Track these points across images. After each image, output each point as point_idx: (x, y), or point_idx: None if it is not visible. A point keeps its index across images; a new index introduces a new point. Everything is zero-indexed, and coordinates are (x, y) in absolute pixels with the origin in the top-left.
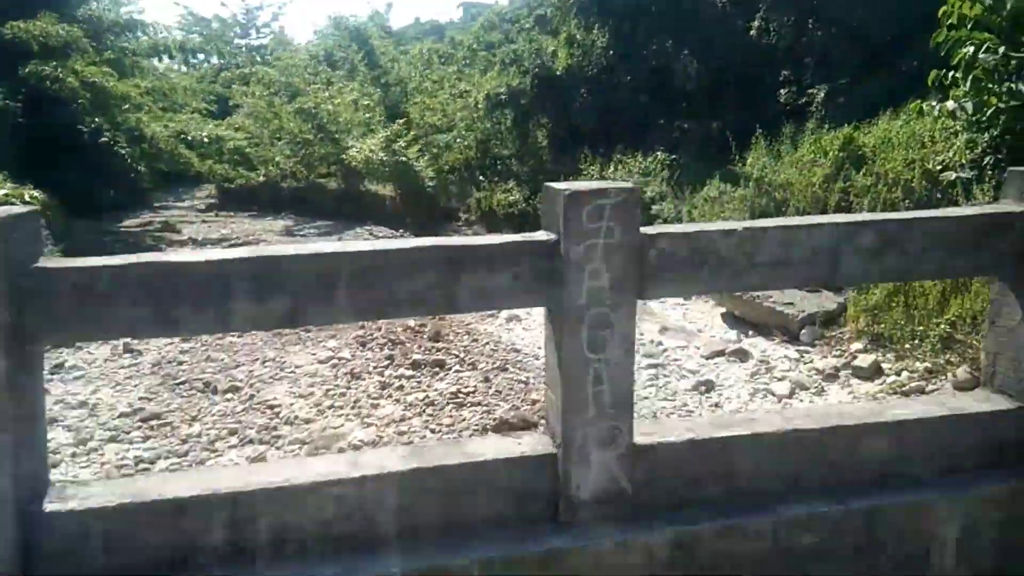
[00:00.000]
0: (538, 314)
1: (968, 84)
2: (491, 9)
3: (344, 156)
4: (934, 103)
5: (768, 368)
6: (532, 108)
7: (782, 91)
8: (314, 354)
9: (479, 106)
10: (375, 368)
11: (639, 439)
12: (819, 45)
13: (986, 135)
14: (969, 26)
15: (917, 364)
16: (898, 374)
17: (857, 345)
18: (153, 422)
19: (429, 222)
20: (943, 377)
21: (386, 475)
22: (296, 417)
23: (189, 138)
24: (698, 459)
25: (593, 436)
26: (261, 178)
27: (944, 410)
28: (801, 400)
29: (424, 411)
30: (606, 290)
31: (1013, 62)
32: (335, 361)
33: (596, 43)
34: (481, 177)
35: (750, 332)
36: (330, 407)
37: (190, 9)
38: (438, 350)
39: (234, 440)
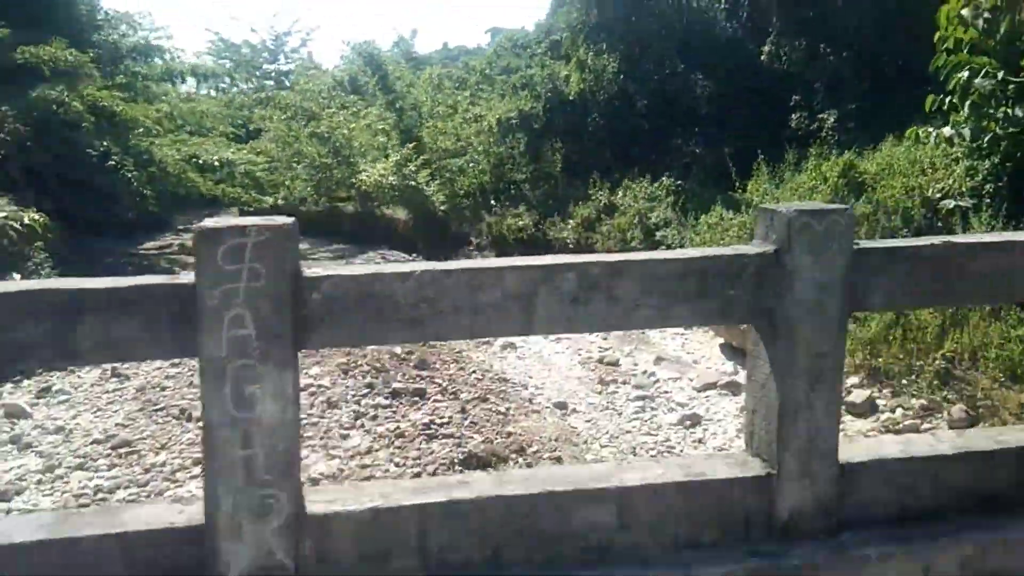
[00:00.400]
0: (534, 342)
1: (966, 109)
2: (505, 35)
3: (354, 180)
4: (931, 129)
5: None
6: (545, 132)
7: (793, 116)
8: None
9: (492, 130)
10: (353, 396)
11: (314, 508)
12: (830, 70)
13: (987, 162)
14: (966, 50)
15: (913, 401)
16: (892, 411)
17: (853, 379)
18: (122, 449)
19: (441, 246)
20: (939, 415)
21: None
22: None
23: (201, 162)
24: (385, 530)
25: (244, 506)
26: (280, 201)
27: (681, 475)
28: None
29: (393, 443)
30: (252, 339)
31: (1011, 87)
32: (314, 389)
33: (607, 68)
34: (493, 202)
35: (738, 366)
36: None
37: (220, 35)
38: (422, 378)
39: (196, 470)
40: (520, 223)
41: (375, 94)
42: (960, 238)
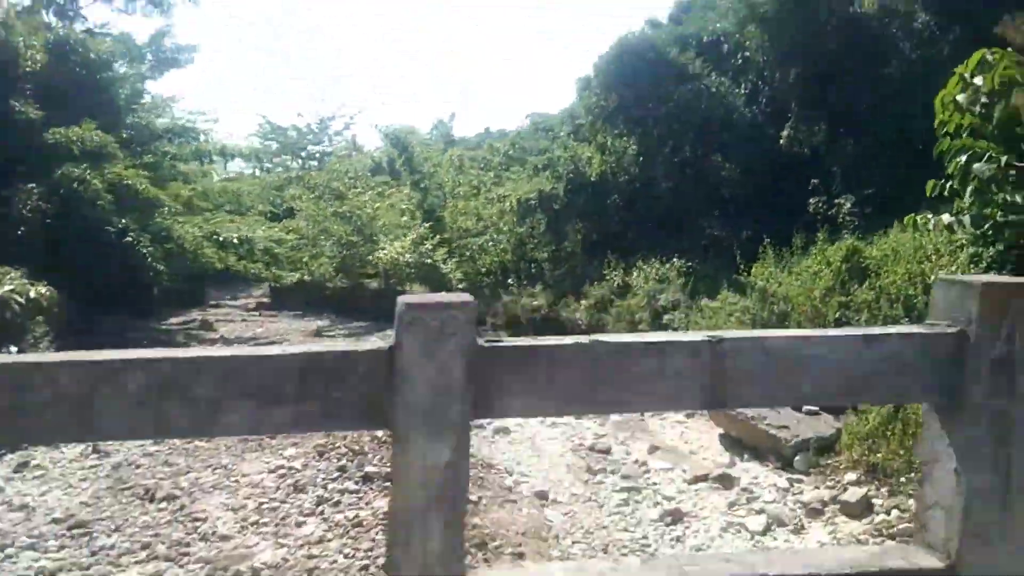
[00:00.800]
0: (529, 425)
1: (968, 195)
2: (530, 117)
3: (371, 257)
4: (930, 216)
5: (750, 498)
6: (566, 213)
7: (811, 200)
8: (267, 463)
9: (513, 210)
10: (322, 480)
11: None
12: (848, 155)
13: (991, 249)
14: (965, 134)
15: (911, 502)
16: (888, 512)
17: (851, 476)
18: (76, 530)
19: None
20: None
21: None
22: (215, 533)
23: (221, 239)
24: None
25: None
26: (306, 277)
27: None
28: (775, 538)
29: (348, 532)
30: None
31: (1012, 172)
32: (284, 471)
33: (628, 150)
34: (510, 281)
35: (745, 456)
36: (254, 523)
37: (268, 119)
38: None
39: (143, 555)
40: (535, 303)
41: (396, 173)
42: (614, 337)
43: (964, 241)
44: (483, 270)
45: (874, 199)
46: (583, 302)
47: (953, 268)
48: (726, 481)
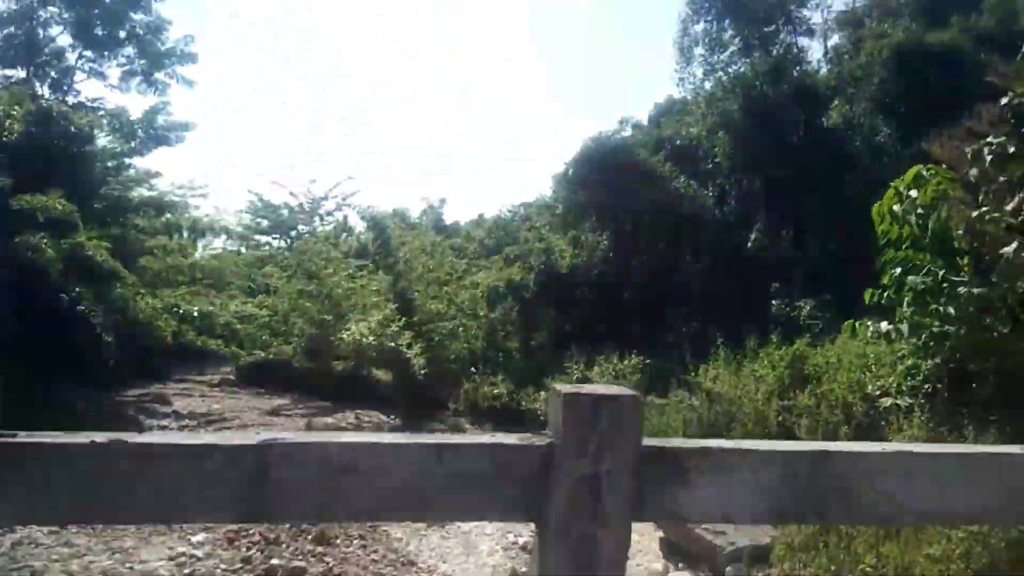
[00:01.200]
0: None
1: (905, 305)
2: (505, 208)
3: (333, 338)
4: (869, 323)
5: None
6: (535, 303)
7: (774, 302)
8: (171, 548)
9: (483, 297)
10: (223, 571)
11: None
12: (811, 261)
13: (929, 362)
14: (904, 245)
15: None
16: None
17: None
18: None
19: (420, 410)
20: None
21: None
22: None
23: (181, 312)
24: None
25: None
26: (271, 356)
27: None
28: None
29: None
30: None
31: (946, 285)
32: (184, 559)
33: (599, 246)
34: (474, 368)
35: (680, 564)
36: None
37: (260, 195)
38: (313, 555)
39: None
40: (495, 391)
41: (370, 254)
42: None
43: (904, 351)
44: (452, 356)
45: (833, 304)
46: (542, 394)
47: (891, 379)
48: None
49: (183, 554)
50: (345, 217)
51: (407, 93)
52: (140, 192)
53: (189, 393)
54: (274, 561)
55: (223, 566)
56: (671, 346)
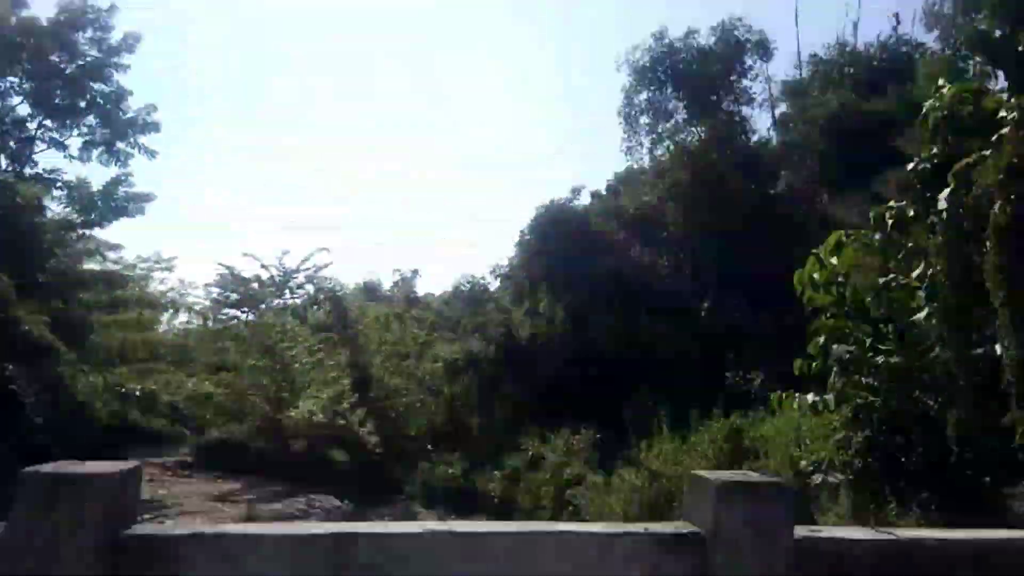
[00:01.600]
0: None
1: (833, 375)
2: (464, 279)
3: (280, 416)
4: (796, 395)
5: None
6: (495, 375)
7: (728, 374)
8: None
9: (440, 372)
10: None
11: None
12: (763, 331)
13: (860, 435)
14: (830, 314)
15: None
16: None
17: None
18: None
19: (376, 492)
20: None
21: None
22: None
23: (123, 390)
24: None
25: None
26: (227, 435)
27: None
28: None
29: None
30: None
31: (869, 355)
32: None
33: (557, 315)
34: (429, 447)
35: None
36: None
37: (232, 268)
38: None
39: None
40: (450, 471)
41: (329, 328)
42: None
43: (836, 425)
44: (412, 433)
45: (787, 376)
46: (496, 473)
47: (823, 453)
48: None
49: None
50: (316, 289)
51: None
52: (92, 265)
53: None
54: None
55: None
56: (624, 419)
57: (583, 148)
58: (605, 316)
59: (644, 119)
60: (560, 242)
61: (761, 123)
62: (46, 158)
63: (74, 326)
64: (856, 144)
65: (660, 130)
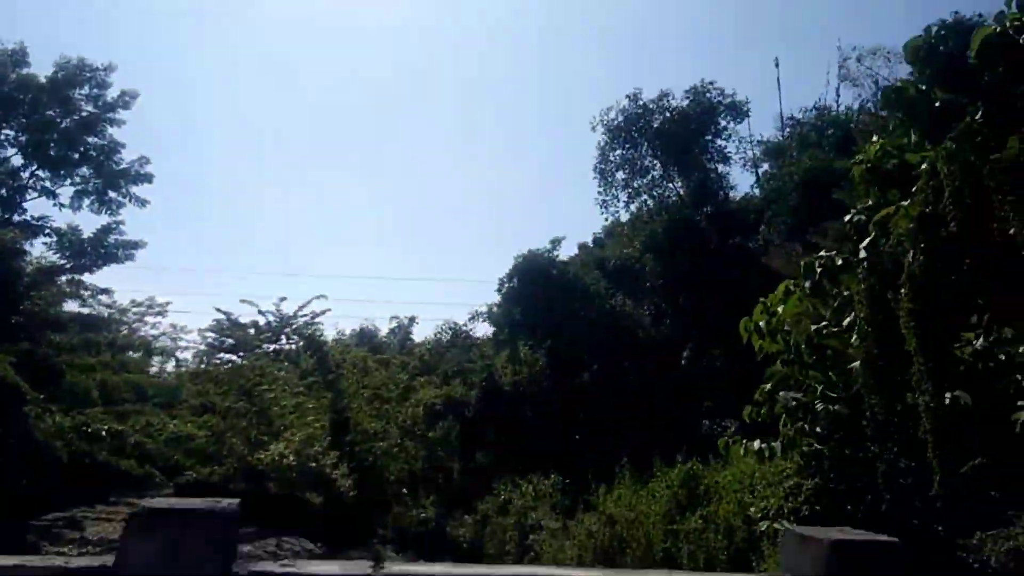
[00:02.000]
0: None
1: (781, 423)
2: (446, 325)
3: (250, 459)
4: (744, 441)
5: None
6: (475, 421)
7: (705, 422)
8: None
9: (421, 417)
10: None
11: None
12: (742, 379)
13: (811, 482)
14: (781, 360)
15: None
16: None
17: None
18: None
19: (347, 537)
20: None
21: None
22: None
23: (89, 431)
24: None
25: None
26: (211, 478)
27: None
28: None
29: None
30: None
31: (816, 404)
32: None
33: (537, 363)
34: (404, 491)
35: None
36: None
37: (229, 314)
38: None
39: None
40: (423, 515)
41: (310, 374)
42: None
43: (788, 471)
44: (392, 478)
45: (762, 424)
46: (468, 518)
47: (772, 500)
48: None
49: None
50: (313, 334)
51: (378, 201)
52: (79, 308)
53: (109, 518)
54: None
55: None
56: (593, 465)
57: (557, 203)
58: (587, 362)
59: (620, 174)
60: (540, 290)
61: (744, 181)
62: (37, 206)
63: (43, 367)
64: (826, 199)
65: (636, 185)
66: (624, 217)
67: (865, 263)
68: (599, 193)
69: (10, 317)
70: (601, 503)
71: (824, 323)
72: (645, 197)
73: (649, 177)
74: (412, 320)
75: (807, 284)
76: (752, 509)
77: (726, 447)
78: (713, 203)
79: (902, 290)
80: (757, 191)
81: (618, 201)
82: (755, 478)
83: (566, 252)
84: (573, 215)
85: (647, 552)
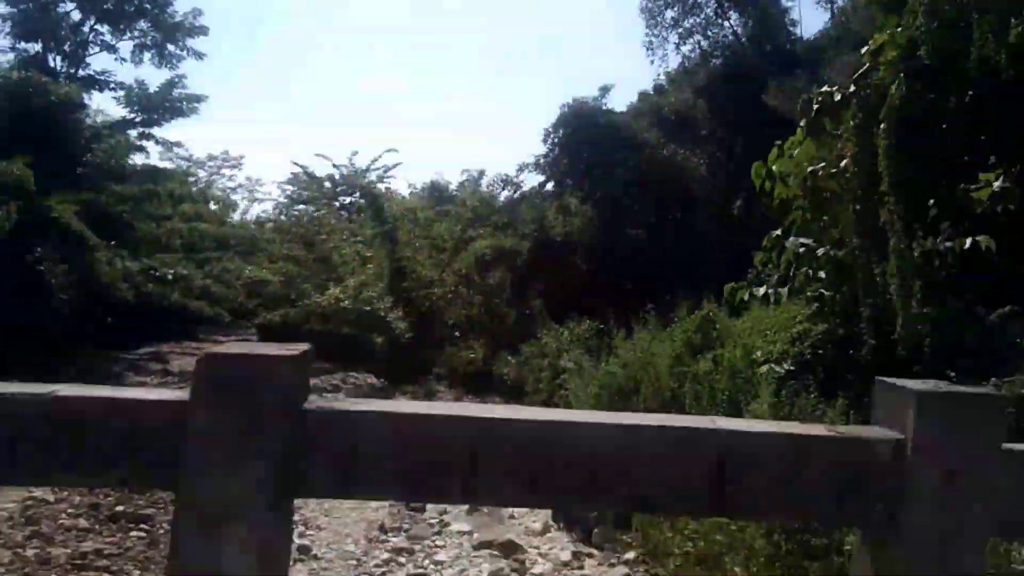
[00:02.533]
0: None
1: (792, 269)
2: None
3: (307, 302)
4: (750, 288)
5: (516, 570)
6: (527, 270)
7: (750, 269)
8: (30, 492)
9: (473, 265)
10: (66, 515)
11: None
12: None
13: (819, 327)
14: (797, 205)
15: None
16: None
17: (630, 554)
18: None
19: (407, 373)
20: None
21: None
22: None
23: (157, 275)
24: None
25: None
26: (276, 319)
27: None
28: None
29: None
30: None
31: (819, 251)
32: (32, 502)
33: (586, 215)
34: (456, 334)
35: (562, 523)
36: None
37: (305, 167)
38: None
39: None
40: (471, 356)
41: (366, 223)
42: None
43: (800, 317)
44: (450, 322)
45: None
46: (511, 359)
47: (777, 345)
48: (509, 549)
49: (33, 497)
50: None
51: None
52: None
53: (194, 353)
54: (120, 508)
55: (69, 510)
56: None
57: (607, 51)
58: (637, 212)
59: (669, 13)
60: (588, 139)
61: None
62: (100, 61)
63: (109, 216)
64: None
65: (688, 24)
66: (674, 62)
67: (855, 98)
68: (646, 34)
69: (74, 169)
70: (621, 346)
71: (822, 164)
72: (698, 38)
73: (703, 16)
74: (481, 173)
75: (803, 122)
76: (758, 353)
77: (732, 292)
78: (774, 43)
79: (881, 125)
80: (831, 30)
81: (667, 43)
82: (766, 324)
83: (623, 102)
84: (624, 66)
85: (655, 394)
